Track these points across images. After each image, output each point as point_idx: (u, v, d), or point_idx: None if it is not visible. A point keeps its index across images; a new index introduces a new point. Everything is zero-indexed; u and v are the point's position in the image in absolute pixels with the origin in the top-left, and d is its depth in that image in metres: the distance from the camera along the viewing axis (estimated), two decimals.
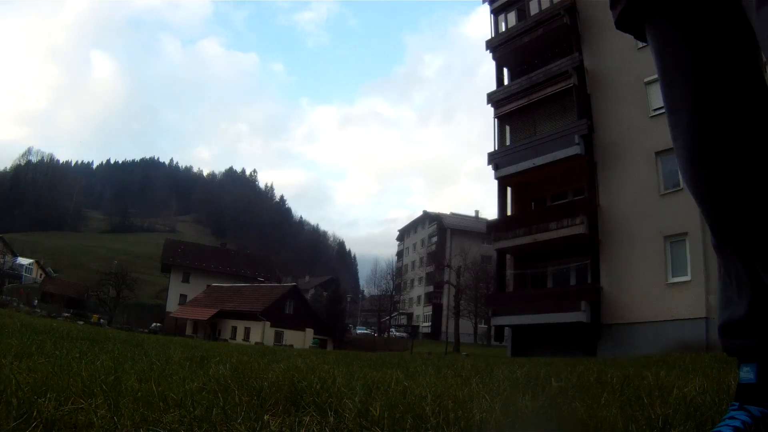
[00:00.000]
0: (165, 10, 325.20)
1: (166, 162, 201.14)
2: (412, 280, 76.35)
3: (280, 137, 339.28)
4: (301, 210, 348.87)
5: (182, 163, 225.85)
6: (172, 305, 56.29)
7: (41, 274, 68.71)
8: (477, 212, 75.20)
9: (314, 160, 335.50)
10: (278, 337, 41.87)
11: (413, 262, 78.10)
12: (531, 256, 22.66)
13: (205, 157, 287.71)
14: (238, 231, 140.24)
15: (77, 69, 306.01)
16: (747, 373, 1.18)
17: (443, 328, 52.27)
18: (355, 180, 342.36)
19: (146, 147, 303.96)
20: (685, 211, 17.19)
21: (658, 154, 18.71)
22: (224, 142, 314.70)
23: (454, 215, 74.01)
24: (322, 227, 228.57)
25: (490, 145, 24.68)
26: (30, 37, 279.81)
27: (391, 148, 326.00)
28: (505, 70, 26.26)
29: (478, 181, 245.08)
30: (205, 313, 45.92)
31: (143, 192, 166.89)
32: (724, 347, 1.26)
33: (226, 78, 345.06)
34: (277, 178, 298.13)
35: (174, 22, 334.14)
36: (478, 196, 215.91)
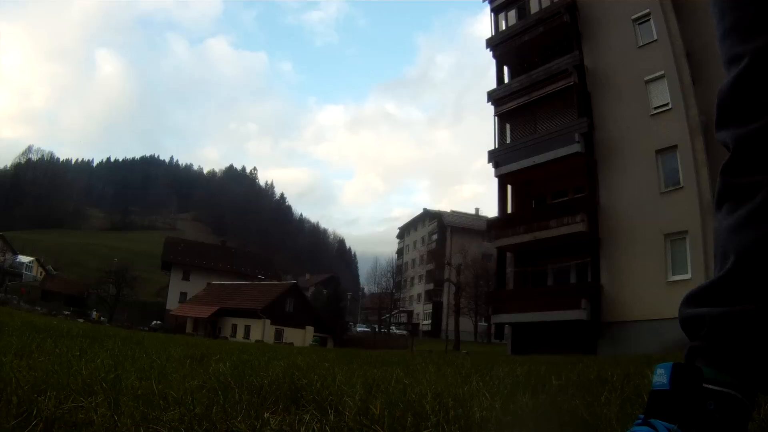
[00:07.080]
0: (174, 9, 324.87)
1: (166, 160, 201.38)
2: (413, 278, 76.31)
3: (289, 136, 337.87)
4: (307, 209, 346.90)
5: (188, 162, 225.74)
6: (172, 303, 56.39)
7: (41, 272, 68.69)
8: (477, 210, 75.17)
9: (322, 160, 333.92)
10: (278, 334, 41.91)
11: (413, 260, 78.03)
12: (531, 254, 22.66)
13: (213, 156, 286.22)
14: (238, 229, 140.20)
15: (83, 68, 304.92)
16: (660, 377, 0.92)
17: (443, 326, 52.28)
18: (361, 179, 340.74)
19: (153, 147, 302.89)
20: (685, 209, 17.22)
21: (658, 152, 18.72)
22: (233, 142, 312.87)
23: (454, 213, 73.81)
24: (323, 225, 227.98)
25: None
26: (36, 36, 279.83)
27: (399, 148, 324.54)
28: (506, 69, 26.25)
29: (485, 181, 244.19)
30: (205, 311, 45.94)
31: (143, 190, 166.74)
32: (680, 319, 1.00)
33: (235, 77, 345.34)
34: (284, 177, 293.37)
35: (183, 21, 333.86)
36: (485, 196, 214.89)
